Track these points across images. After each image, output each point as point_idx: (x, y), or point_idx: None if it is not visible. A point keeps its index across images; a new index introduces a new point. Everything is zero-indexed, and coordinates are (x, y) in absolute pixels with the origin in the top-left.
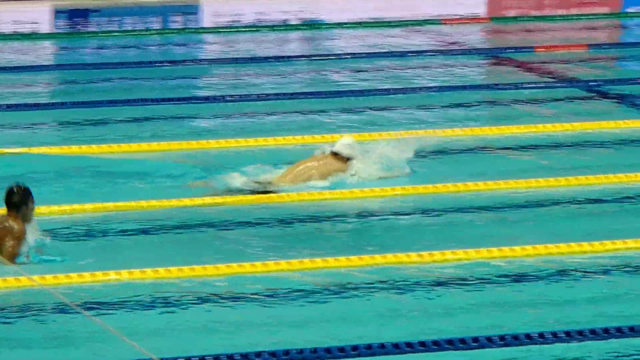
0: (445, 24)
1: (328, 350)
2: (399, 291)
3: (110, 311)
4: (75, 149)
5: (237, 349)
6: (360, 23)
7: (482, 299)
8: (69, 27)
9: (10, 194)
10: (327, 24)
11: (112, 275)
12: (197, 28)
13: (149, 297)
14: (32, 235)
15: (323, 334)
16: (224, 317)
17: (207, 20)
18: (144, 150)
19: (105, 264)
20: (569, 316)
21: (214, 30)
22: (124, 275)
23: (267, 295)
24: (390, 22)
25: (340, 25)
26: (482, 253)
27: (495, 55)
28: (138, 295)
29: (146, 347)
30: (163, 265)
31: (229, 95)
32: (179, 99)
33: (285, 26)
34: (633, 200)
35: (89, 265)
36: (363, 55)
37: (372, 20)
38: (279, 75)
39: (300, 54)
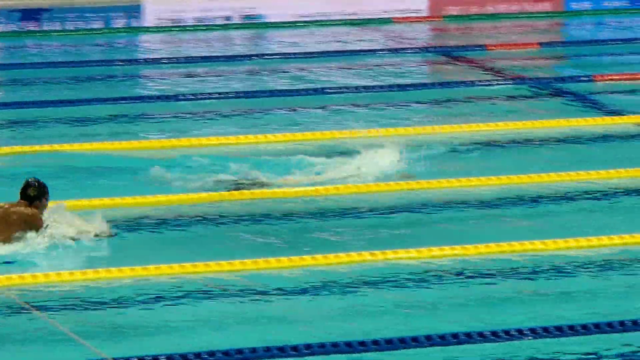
0: (396, 22)
1: (308, 346)
2: (381, 287)
3: (63, 311)
4: (27, 149)
5: (218, 346)
6: (310, 22)
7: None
8: (10, 27)
9: (27, 186)
10: (276, 23)
11: (66, 276)
12: (140, 27)
13: (102, 296)
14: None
15: (311, 331)
16: (201, 314)
17: (149, 20)
18: (95, 149)
19: (57, 264)
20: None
21: (158, 29)
22: (77, 275)
23: (255, 292)
24: (340, 20)
25: (292, 24)
26: (446, 250)
27: (448, 53)
28: (92, 295)
29: (99, 347)
30: (122, 265)
31: (181, 95)
32: (123, 98)
33: (232, 24)
34: (589, 197)
35: (45, 265)
36: (313, 54)
37: (321, 19)
38: (225, 74)
39: (248, 53)
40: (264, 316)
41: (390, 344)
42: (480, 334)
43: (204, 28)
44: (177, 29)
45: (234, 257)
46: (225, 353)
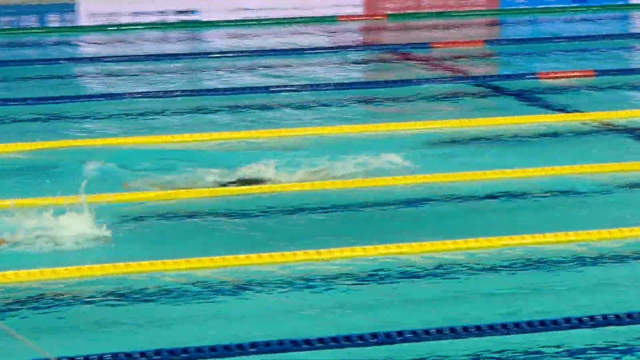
0: (341, 20)
1: (295, 342)
2: (362, 283)
3: (7, 311)
4: None
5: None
6: (253, 21)
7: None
8: None
9: None
10: (221, 21)
11: (11, 277)
12: (75, 27)
13: (45, 295)
14: None
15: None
16: (168, 312)
17: (84, 19)
18: (28, 149)
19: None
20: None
21: (94, 28)
22: (22, 275)
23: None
24: (284, 19)
25: (236, 22)
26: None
27: (393, 52)
28: (36, 294)
29: (43, 346)
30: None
31: (121, 93)
32: (58, 98)
33: (175, 23)
34: (534, 196)
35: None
36: (259, 52)
37: (264, 18)
38: (166, 72)
39: (191, 52)
40: (242, 313)
41: (375, 338)
42: (465, 329)
43: (151, 26)
44: (114, 27)
45: (215, 252)
46: (171, 352)
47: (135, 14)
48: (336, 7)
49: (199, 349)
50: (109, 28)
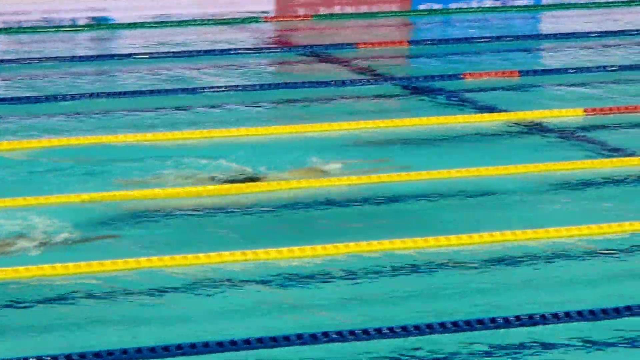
0: (265, 21)
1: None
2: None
3: None
4: None
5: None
6: (178, 22)
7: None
8: None
9: None
10: (140, 23)
11: None
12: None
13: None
14: None
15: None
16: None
17: None
18: None
19: None
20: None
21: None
22: None
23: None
24: (207, 20)
25: (158, 24)
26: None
27: (317, 52)
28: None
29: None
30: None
31: (16, 97)
32: None
33: (90, 25)
34: (458, 197)
35: None
36: (182, 53)
37: (187, 19)
38: (82, 75)
39: (110, 53)
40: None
41: (353, 335)
42: (442, 324)
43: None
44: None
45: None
46: (124, 352)
47: (49, 12)
48: (247, 4)
49: (138, 350)
50: (20, 30)
